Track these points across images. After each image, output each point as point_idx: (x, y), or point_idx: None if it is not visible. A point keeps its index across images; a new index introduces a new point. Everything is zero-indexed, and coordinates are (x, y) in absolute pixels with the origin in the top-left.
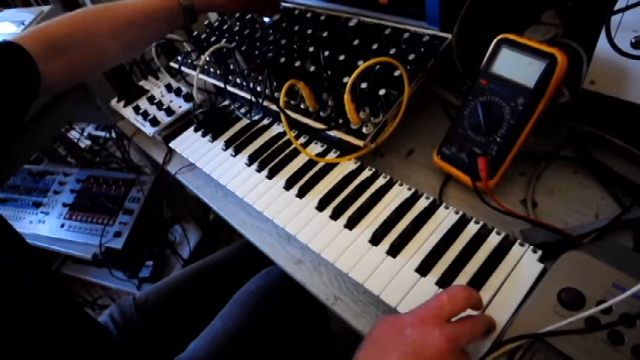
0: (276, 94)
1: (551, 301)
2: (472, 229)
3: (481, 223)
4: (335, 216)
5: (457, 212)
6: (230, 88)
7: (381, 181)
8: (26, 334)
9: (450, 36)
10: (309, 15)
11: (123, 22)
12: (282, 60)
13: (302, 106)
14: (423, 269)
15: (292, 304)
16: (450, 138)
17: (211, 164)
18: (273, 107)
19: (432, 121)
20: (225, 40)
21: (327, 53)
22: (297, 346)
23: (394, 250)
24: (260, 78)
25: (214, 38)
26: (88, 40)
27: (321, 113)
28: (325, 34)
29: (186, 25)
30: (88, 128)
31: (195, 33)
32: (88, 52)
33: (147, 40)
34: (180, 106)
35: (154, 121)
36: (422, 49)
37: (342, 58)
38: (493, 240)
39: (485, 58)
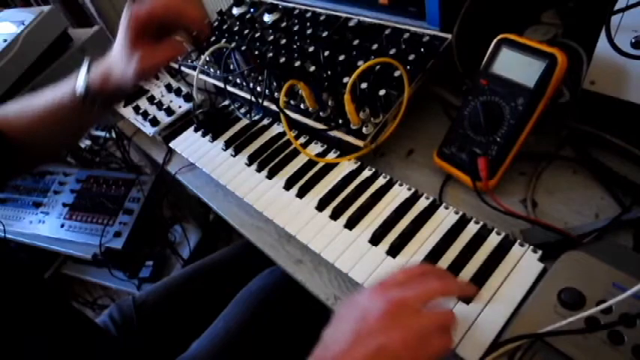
0: (276, 94)
1: (551, 301)
2: (472, 229)
3: (481, 223)
4: (335, 216)
5: (457, 212)
6: (230, 88)
7: (381, 181)
8: (23, 336)
9: (450, 36)
10: (309, 15)
11: (37, 120)
12: (282, 60)
13: (302, 106)
14: None
15: (295, 305)
16: (450, 138)
17: (211, 164)
18: (273, 107)
19: (432, 121)
20: (225, 40)
21: (327, 53)
22: (301, 347)
23: (394, 250)
24: (260, 78)
25: (214, 38)
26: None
27: (321, 113)
28: (325, 34)
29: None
30: None
31: (195, 33)
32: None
33: (57, 137)
34: (180, 106)
35: (154, 121)
36: (422, 50)
37: (342, 58)
38: (493, 240)
39: (485, 58)
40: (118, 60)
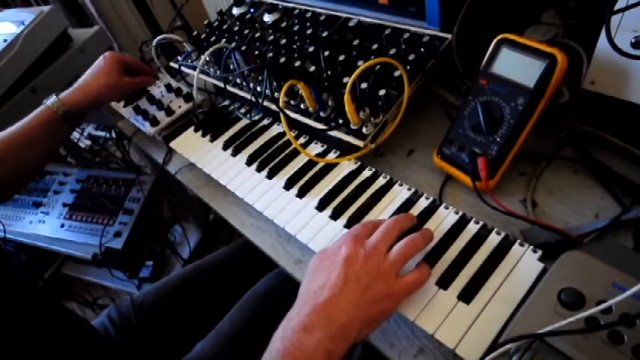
0: (276, 94)
1: (551, 301)
2: (472, 229)
3: (481, 223)
4: (335, 216)
5: (457, 212)
6: (230, 88)
7: (381, 181)
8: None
9: (450, 36)
10: (309, 15)
11: (3, 150)
12: (282, 60)
13: (302, 106)
14: None
15: None
16: (450, 138)
17: (211, 164)
18: (273, 107)
19: (432, 121)
20: (225, 40)
21: (327, 53)
22: None
23: None
24: (260, 78)
25: (214, 38)
26: None
27: (321, 113)
28: (325, 34)
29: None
30: (88, 128)
31: (195, 33)
32: None
33: (36, 159)
34: (180, 106)
35: (154, 121)
36: (422, 50)
37: (342, 58)
38: (493, 240)
39: (485, 58)
40: (99, 76)
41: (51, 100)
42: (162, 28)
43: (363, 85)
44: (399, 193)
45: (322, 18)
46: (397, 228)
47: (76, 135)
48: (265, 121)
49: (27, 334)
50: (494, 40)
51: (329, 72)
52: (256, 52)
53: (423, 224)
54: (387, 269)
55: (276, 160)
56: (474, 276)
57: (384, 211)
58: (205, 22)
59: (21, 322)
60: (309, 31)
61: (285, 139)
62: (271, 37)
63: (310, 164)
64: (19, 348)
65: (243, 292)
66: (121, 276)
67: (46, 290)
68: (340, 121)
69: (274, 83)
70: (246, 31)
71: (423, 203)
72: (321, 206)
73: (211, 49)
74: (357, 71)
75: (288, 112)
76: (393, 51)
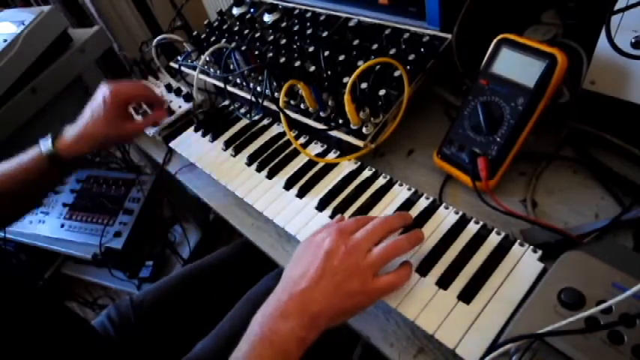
0: (276, 94)
1: (551, 301)
2: (472, 229)
3: (481, 223)
4: (335, 216)
5: (457, 212)
6: (230, 88)
7: (381, 181)
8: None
9: (450, 36)
10: (309, 15)
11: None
12: (282, 60)
13: (302, 106)
14: (423, 269)
15: None
16: (450, 138)
17: (211, 164)
18: (273, 107)
19: (432, 121)
20: (225, 40)
21: (327, 53)
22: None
23: None
24: (260, 78)
25: (214, 38)
26: None
27: (321, 113)
28: (325, 34)
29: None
30: None
31: (195, 33)
32: None
33: (31, 195)
34: (180, 106)
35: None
36: (422, 50)
37: (342, 58)
38: (493, 240)
39: (485, 58)
40: (103, 125)
41: (45, 143)
42: (162, 28)
43: (363, 85)
44: (399, 193)
45: (322, 18)
46: (385, 227)
47: None
48: (265, 121)
49: (27, 333)
50: (494, 40)
51: (329, 72)
52: (256, 52)
53: (422, 224)
54: (364, 268)
55: (276, 160)
56: (474, 276)
57: (384, 211)
58: (205, 22)
59: (21, 322)
60: (309, 31)
61: (285, 139)
62: (271, 37)
63: (310, 164)
64: (20, 348)
65: (243, 292)
66: (121, 276)
67: (47, 290)
68: (340, 121)
69: (274, 83)
70: (246, 31)
71: (423, 203)
72: (321, 206)
73: (211, 49)
74: (357, 71)
75: (288, 112)
76: (393, 51)
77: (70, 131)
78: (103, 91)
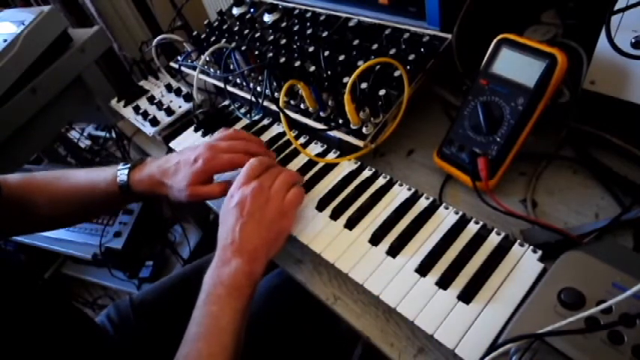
0: (276, 94)
1: (551, 301)
2: (472, 229)
3: (481, 223)
4: (335, 216)
5: (457, 212)
6: (230, 88)
7: (381, 181)
8: (23, 334)
9: (450, 36)
10: (309, 15)
11: (62, 196)
12: (282, 60)
13: (302, 106)
14: (423, 269)
15: (303, 306)
16: (450, 138)
17: None
18: (273, 107)
19: (432, 121)
20: (225, 40)
21: (327, 53)
22: (308, 348)
23: (394, 251)
24: (260, 78)
25: (214, 38)
26: (29, 202)
27: (321, 113)
28: (325, 34)
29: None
30: (88, 128)
31: (195, 33)
32: (23, 212)
33: (85, 213)
34: (180, 106)
35: (154, 121)
36: (422, 50)
37: (342, 58)
38: (493, 240)
39: (485, 58)
40: (179, 181)
41: (122, 172)
42: (162, 28)
43: (363, 85)
44: (399, 193)
45: (322, 18)
46: (264, 162)
47: (76, 135)
48: (265, 121)
49: (33, 331)
50: (494, 40)
51: (329, 72)
52: (256, 52)
53: (422, 224)
54: (273, 197)
55: (276, 161)
56: (474, 276)
57: (384, 210)
58: (205, 22)
59: (27, 320)
60: (309, 31)
61: (285, 139)
62: (271, 37)
63: (310, 164)
64: (26, 345)
65: None
66: (121, 276)
67: (51, 288)
68: (340, 121)
69: (274, 83)
70: (246, 31)
71: (423, 203)
72: (321, 206)
73: (211, 49)
74: (357, 71)
75: (288, 112)
76: (393, 51)
77: (150, 168)
78: (203, 154)
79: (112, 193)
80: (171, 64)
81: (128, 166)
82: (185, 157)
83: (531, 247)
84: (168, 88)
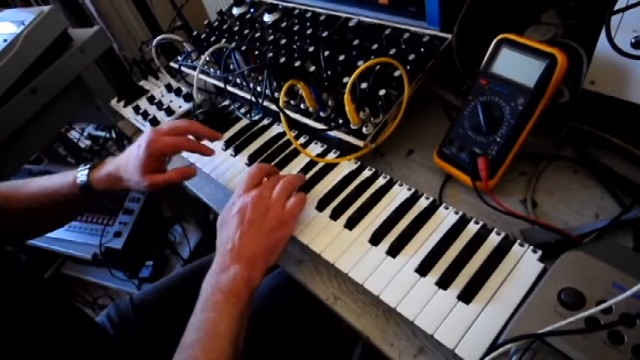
0: (276, 94)
1: (551, 301)
2: (472, 229)
3: (481, 223)
4: (335, 216)
5: (457, 212)
6: (230, 88)
7: (381, 181)
8: (23, 336)
9: (450, 36)
10: (309, 15)
11: (26, 203)
12: (282, 60)
13: (302, 106)
14: (423, 269)
15: (303, 306)
16: (450, 138)
17: (211, 164)
18: (273, 107)
19: (432, 121)
20: (225, 40)
21: (327, 53)
22: (308, 348)
23: (394, 251)
24: (260, 78)
25: (214, 38)
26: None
27: (321, 113)
28: (325, 34)
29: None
30: (88, 128)
31: (195, 33)
32: None
33: (54, 216)
34: (180, 106)
35: (154, 121)
36: (422, 50)
37: (342, 58)
38: (493, 240)
39: (485, 58)
40: (132, 172)
41: (82, 172)
42: (162, 28)
43: (363, 85)
44: (399, 193)
45: (322, 18)
46: (260, 175)
47: (76, 135)
48: (265, 121)
49: (30, 333)
50: (494, 40)
51: (329, 72)
52: (256, 52)
53: (422, 224)
54: (273, 206)
55: (276, 160)
56: (474, 276)
57: (384, 211)
58: (205, 22)
59: (24, 322)
60: (309, 31)
61: (285, 139)
62: (271, 37)
63: (310, 164)
64: (26, 342)
65: None
66: (121, 276)
67: (51, 288)
68: (340, 121)
69: (274, 83)
70: (246, 31)
71: (423, 203)
72: (321, 206)
73: (211, 49)
74: (357, 71)
75: (288, 112)
76: (393, 51)
77: (108, 167)
78: (145, 139)
79: (74, 194)
80: (171, 64)
81: (88, 166)
82: (132, 146)
83: (531, 247)
84: (168, 88)
